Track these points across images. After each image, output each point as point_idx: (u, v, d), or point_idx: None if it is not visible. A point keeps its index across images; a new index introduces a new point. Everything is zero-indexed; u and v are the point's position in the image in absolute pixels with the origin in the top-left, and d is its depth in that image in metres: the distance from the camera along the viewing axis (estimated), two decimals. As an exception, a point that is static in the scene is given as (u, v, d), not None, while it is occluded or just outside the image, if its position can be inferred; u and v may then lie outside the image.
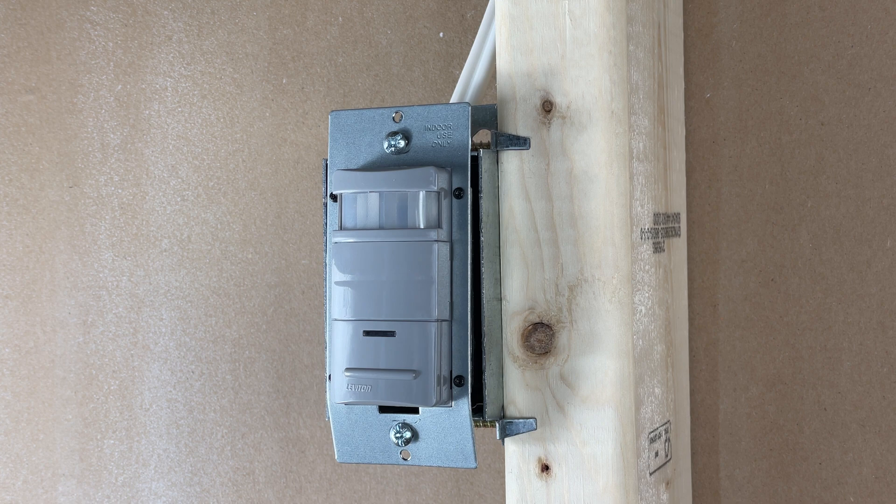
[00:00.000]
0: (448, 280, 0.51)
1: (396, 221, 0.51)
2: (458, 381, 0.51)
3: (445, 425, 0.52)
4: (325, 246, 0.54)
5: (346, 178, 0.52)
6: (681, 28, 0.62)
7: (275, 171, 0.74)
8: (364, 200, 0.52)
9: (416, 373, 0.50)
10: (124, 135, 0.78)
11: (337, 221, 0.53)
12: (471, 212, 0.51)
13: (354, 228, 0.52)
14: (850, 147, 0.60)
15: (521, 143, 0.52)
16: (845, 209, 0.60)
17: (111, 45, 0.78)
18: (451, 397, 0.51)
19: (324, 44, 0.73)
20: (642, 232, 0.54)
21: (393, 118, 0.53)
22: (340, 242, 0.52)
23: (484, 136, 0.55)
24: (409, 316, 0.51)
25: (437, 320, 0.50)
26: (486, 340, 0.52)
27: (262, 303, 0.75)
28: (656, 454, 0.56)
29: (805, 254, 0.61)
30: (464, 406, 0.51)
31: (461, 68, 0.61)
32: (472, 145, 0.52)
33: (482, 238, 0.52)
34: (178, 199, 0.77)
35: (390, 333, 0.51)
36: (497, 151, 0.53)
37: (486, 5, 0.55)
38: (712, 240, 0.63)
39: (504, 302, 0.53)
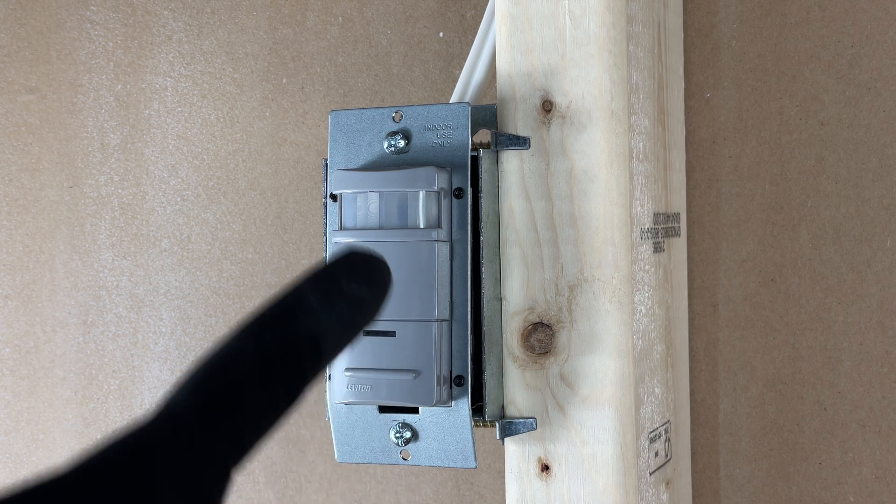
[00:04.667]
0: (448, 280, 0.51)
1: (396, 221, 0.51)
2: (458, 380, 0.51)
3: (445, 425, 0.52)
4: (325, 246, 0.54)
5: (346, 178, 0.52)
6: (681, 28, 0.62)
7: (275, 171, 0.74)
8: (364, 200, 0.52)
9: (417, 373, 0.50)
10: (124, 135, 0.78)
11: (337, 221, 0.53)
12: (471, 212, 0.51)
13: (354, 228, 0.52)
14: (850, 147, 0.60)
15: (521, 142, 0.52)
16: (845, 209, 0.60)
17: (111, 45, 0.78)
18: (451, 397, 0.51)
19: (324, 44, 0.73)
20: (642, 232, 0.54)
21: (393, 118, 0.53)
22: (340, 242, 0.52)
23: (484, 135, 0.55)
24: (410, 316, 0.51)
25: (438, 320, 0.50)
26: (486, 340, 0.52)
27: (262, 303, 0.75)
28: (656, 454, 0.56)
29: (805, 254, 0.61)
30: (464, 406, 0.51)
31: (461, 68, 0.61)
32: (472, 145, 0.52)
33: (482, 238, 0.52)
34: (178, 199, 0.77)
35: (390, 333, 0.51)
36: (497, 151, 0.53)
37: (486, 5, 0.55)
38: (712, 240, 0.63)
39: (504, 302, 0.53)
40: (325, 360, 0.37)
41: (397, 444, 0.52)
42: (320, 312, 0.37)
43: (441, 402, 0.51)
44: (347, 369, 0.51)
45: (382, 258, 0.42)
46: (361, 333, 0.41)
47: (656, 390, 0.56)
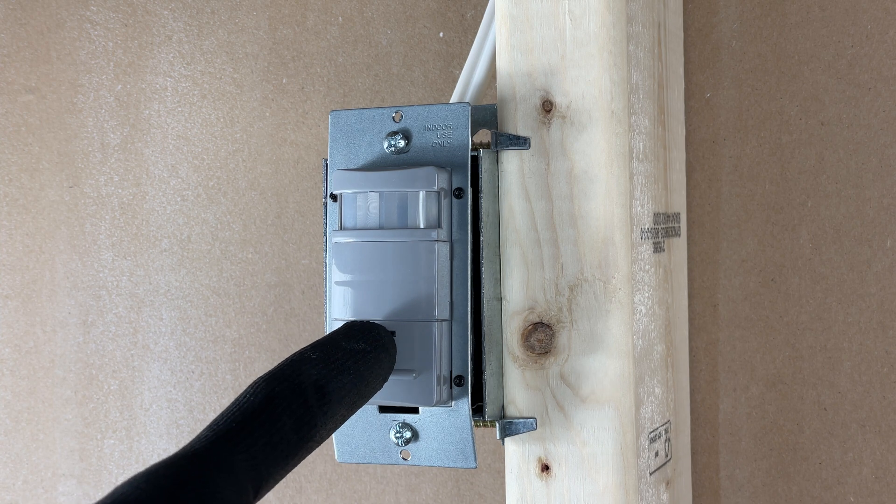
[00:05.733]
0: (448, 280, 0.51)
1: (396, 221, 0.51)
2: (458, 380, 0.51)
3: (445, 425, 0.52)
4: (325, 246, 0.54)
5: (345, 178, 0.52)
6: (681, 28, 0.62)
7: (275, 171, 0.74)
8: (364, 200, 0.52)
9: (417, 372, 0.50)
10: (124, 135, 0.78)
11: (337, 221, 0.53)
12: (471, 212, 0.51)
13: (354, 228, 0.52)
14: (850, 147, 0.60)
15: (521, 142, 0.52)
16: (845, 209, 0.60)
17: (111, 45, 0.78)
18: (451, 397, 0.51)
19: (324, 44, 0.73)
20: (642, 232, 0.54)
21: (393, 118, 0.53)
22: (340, 242, 0.52)
23: (484, 135, 0.55)
24: (410, 316, 0.51)
25: (438, 320, 0.50)
26: (486, 340, 0.52)
27: (262, 303, 0.75)
28: (656, 454, 0.56)
29: (805, 254, 0.61)
30: (464, 406, 0.51)
31: (461, 68, 0.61)
32: (472, 145, 0.52)
33: (482, 238, 0.52)
34: (178, 199, 0.77)
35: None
36: (497, 151, 0.53)
37: (486, 5, 0.55)
38: (712, 240, 0.63)
39: (504, 302, 0.53)
40: (334, 402, 0.42)
41: (397, 443, 0.52)
42: (320, 362, 0.42)
43: (441, 402, 0.51)
44: (347, 369, 0.51)
45: (381, 325, 0.48)
46: (377, 382, 0.46)
47: (656, 390, 0.56)
